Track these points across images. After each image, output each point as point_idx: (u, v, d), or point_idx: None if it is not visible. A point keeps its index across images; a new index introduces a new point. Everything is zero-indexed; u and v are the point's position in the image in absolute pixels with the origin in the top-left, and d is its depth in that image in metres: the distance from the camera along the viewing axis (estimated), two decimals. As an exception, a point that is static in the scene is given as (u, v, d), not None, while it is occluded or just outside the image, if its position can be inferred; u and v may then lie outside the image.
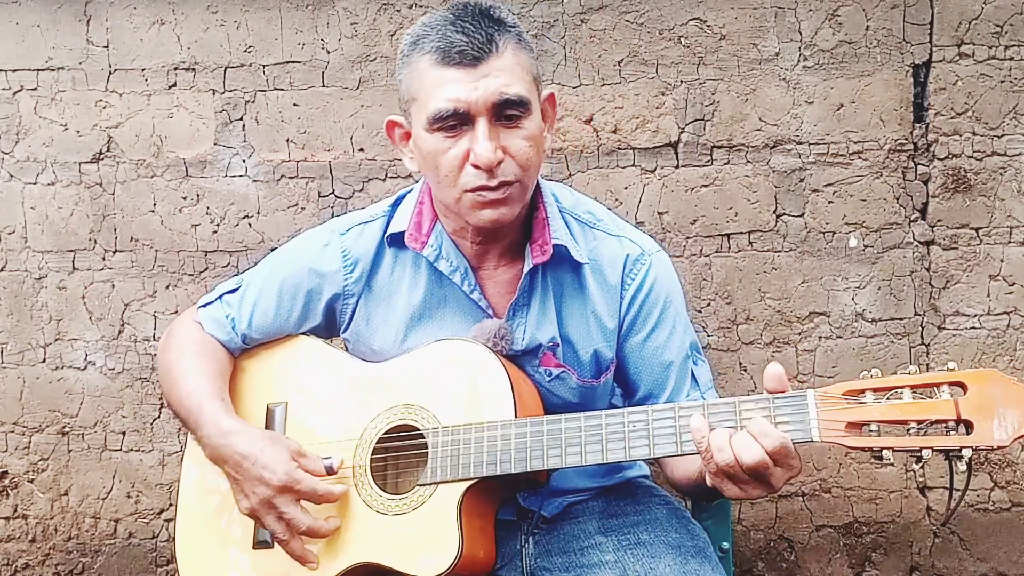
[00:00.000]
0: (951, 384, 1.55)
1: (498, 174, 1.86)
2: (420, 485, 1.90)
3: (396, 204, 2.14)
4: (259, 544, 2.01)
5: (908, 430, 1.55)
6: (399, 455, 1.99)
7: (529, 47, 1.93)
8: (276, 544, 1.95)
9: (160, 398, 3.10)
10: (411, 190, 2.14)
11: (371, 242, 2.11)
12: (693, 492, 2.03)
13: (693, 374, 2.10)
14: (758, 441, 1.63)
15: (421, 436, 1.93)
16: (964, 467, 1.54)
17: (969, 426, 1.53)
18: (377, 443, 1.97)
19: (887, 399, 1.58)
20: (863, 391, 1.60)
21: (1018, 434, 1.50)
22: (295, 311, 2.13)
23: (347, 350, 2.18)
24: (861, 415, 1.58)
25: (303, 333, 2.16)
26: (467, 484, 1.86)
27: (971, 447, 1.51)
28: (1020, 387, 1.52)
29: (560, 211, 2.07)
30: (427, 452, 1.91)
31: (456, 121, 1.85)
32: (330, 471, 1.95)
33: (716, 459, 1.66)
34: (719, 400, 1.74)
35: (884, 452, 1.56)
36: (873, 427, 1.57)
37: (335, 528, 1.92)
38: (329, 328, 2.17)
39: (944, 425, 1.54)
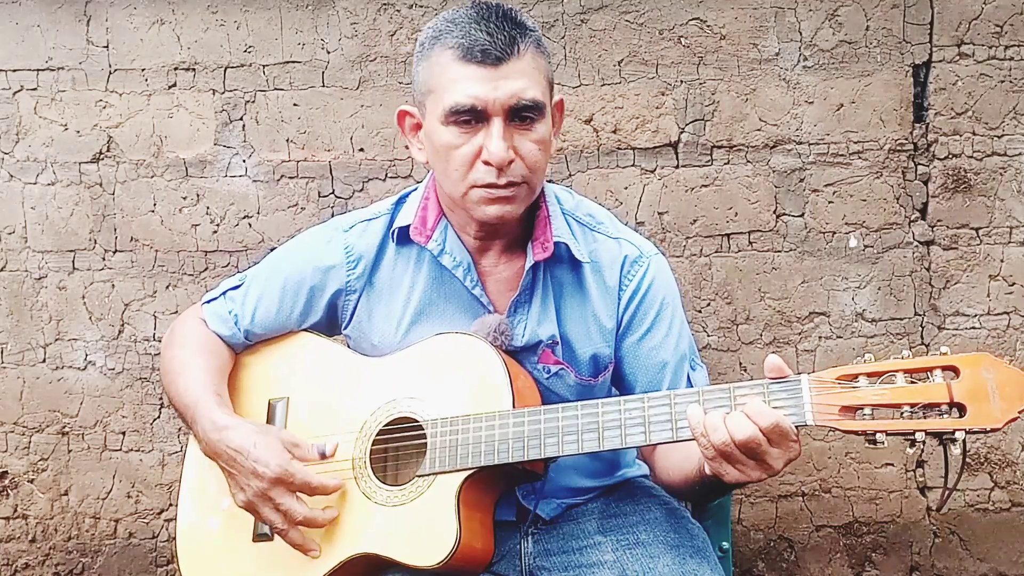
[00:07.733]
0: (944, 368, 1.56)
1: (507, 173, 1.90)
2: (419, 476, 1.90)
3: (400, 202, 2.16)
4: (259, 537, 2.02)
5: (901, 414, 1.57)
6: (399, 447, 2.00)
7: (547, 53, 1.98)
8: (276, 536, 1.96)
9: (160, 398, 3.10)
10: (415, 189, 2.16)
11: (374, 239, 2.12)
12: (692, 491, 2.03)
13: (689, 378, 2.11)
14: (752, 420, 1.65)
15: (420, 428, 1.93)
16: (958, 451, 1.54)
17: (962, 409, 1.54)
18: (377, 436, 1.98)
19: (880, 383, 1.59)
20: (856, 376, 1.61)
21: (1011, 416, 1.51)
22: (297, 307, 2.14)
23: (348, 346, 2.18)
24: (854, 399, 1.59)
25: (305, 329, 2.17)
26: (465, 474, 1.87)
27: (964, 430, 1.52)
28: (1012, 370, 1.53)
29: (562, 212, 2.10)
30: (426, 444, 1.91)
31: (472, 117, 1.89)
32: (323, 456, 1.96)
33: (711, 439, 1.67)
34: (714, 386, 1.75)
35: (878, 436, 1.57)
36: (867, 411, 1.59)
37: (332, 518, 1.93)
38: (331, 324, 2.18)
39: (937, 409, 1.55)
